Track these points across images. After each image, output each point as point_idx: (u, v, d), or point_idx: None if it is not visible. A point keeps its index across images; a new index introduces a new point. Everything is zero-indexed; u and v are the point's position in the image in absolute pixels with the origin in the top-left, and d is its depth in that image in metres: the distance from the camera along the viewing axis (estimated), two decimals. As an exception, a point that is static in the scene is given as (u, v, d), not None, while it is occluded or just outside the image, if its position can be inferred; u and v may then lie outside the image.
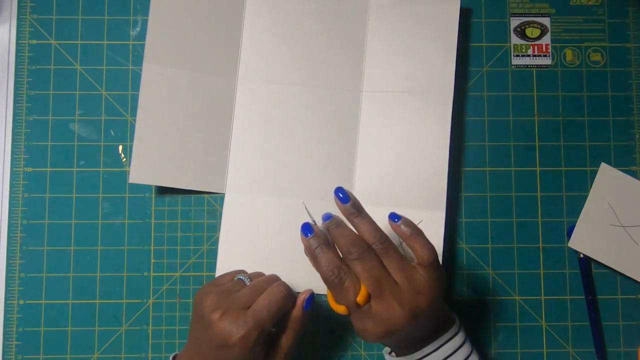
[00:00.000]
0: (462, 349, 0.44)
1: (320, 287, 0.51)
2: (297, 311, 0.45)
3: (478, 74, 0.55)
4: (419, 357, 0.43)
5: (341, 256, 0.42)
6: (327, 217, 0.43)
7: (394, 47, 0.54)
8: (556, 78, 0.55)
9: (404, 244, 0.48)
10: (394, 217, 0.42)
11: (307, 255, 0.43)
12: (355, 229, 0.42)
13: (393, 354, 0.47)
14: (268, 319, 0.42)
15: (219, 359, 0.41)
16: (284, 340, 0.44)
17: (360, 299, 0.40)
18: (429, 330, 0.43)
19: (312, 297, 0.46)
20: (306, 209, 0.44)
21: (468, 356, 0.44)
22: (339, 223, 0.43)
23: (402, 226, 0.42)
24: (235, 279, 0.46)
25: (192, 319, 0.45)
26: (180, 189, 0.53)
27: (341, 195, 0.42)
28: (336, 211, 0.43)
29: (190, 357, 0.44)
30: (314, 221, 0.44)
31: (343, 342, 0.53)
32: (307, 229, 0.42)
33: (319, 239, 0.42)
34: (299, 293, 0.46)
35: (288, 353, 0.45)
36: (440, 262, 0.44)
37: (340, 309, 0.42)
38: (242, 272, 0.47)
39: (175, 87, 0.53)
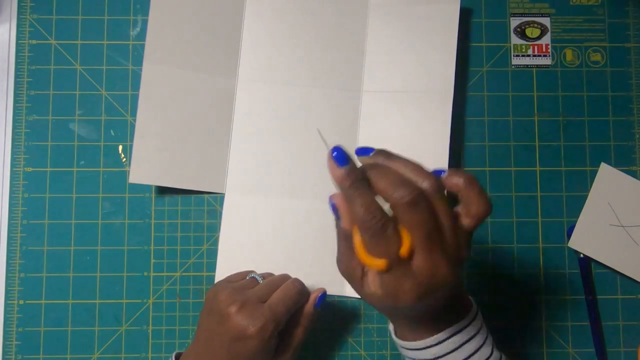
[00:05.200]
0: (473, 340, 0.41)
1: (325, 286, 0.51)
2: (309, 307, 0.46)
3: (478, 74, 0.55)
4: (429, 344, 0.40)
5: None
6: (364, 150, 0.35)
7: (394, 47, 0.54)
8: (556, 78, 0.55)
9: None
10: (439, 172, 0.35)
11: (338, 188, 0.34)
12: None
13: (397, 336, 0.43)
14: (284, 312, 0.43)
15: (233, 352, 0.42)
16: (293, 335, 0.46)
17: (404, 250, 0.33)
18: (443, 304, 0.38)
19: (325, 296, 0.47)
20: (321, 135, 0.37)
21: (479, 348, 0.41)
22: (377, 165, 0.34)
23: (453, 177, 0.34)
24: (248, 277, 0.47)
25: (202, 316, 0.45)
26: (180, 189, 0.53)
27: (362, 150, 0.36)
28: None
29: (199, 354, 0.44)
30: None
31: (343, 342, 0.53)
32: (341, 156, 0.33)
33: (356, 172, 0.33)
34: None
35: (297, 348, 0.46)
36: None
37: (374, 263, 0.34)
38: (253, 272, 0.48)
39: (175, 87, 0.53)
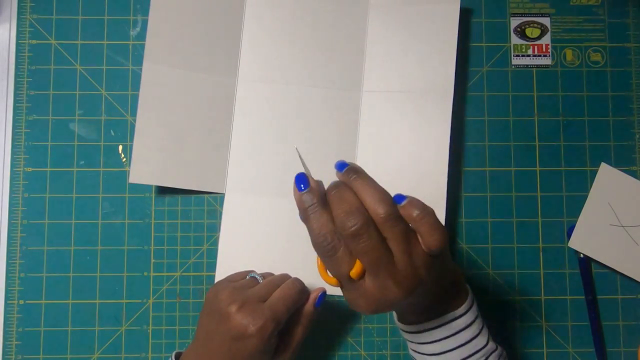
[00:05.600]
0: (468, 329, 0.42)
1: (325, 286, 0.51)
2: (308, 307, 0.46)
3: (478, 74, 0.55)
4: (421, 329, 0.42)
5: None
6: (341, 165, 0.37)
7: (394, 47, 0.54)
8: (556, 78, 0.55)
9: None
10: (399, 199, 0.36)
11: (299, 212, 0.37)
12: (357, 195, 0.36)
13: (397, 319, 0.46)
14: (284, 311, 0.43)
15: (233, 351, 0.42)
16: (293, 334, 0.46)
17: (354, 273, 0.35)
18: (432, 298, 0.40)
19: (324, 295, 0.47)
20: (300, 156, 0.39)
21: (474, 337, 0.42)
22: (339, 186, 0.36)
23: (408, 208, 0.36)
24: (248, 277, 0.47)
25: (202, 315, 0.45)
26: (180, 189, 0.53)
27: (339, 165, 0.38)
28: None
29: (199, 353, 0.44)
30: (309, 173, 0.38)
31: (343, 342, 0.53)
32: (301, 180, 0.36)
33: (314, 195, 0.36)
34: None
35: (297, 347, 0.46)
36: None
37: (329, 280, 0.38)
38: (253, 271, 0.48)
39: (175, 87, 0.53)
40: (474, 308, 0.43)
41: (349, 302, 0.38)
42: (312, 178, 0.37)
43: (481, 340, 0.42)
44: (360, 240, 0.34)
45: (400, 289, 0.35)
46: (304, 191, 0.36)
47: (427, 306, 0.41)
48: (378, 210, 0.35)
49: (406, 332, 0.44)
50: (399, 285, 0.35)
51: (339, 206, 0.35)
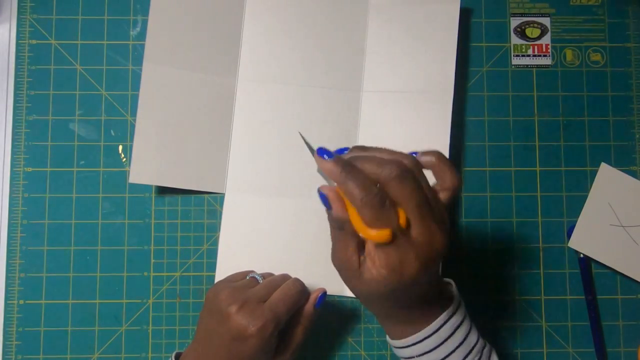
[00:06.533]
0: (462, 326, 0.42)
1: (325, 286, 0.51)
2: (309, 307, 0.46)
3: (478, 74, 0.55)
4: (414, 341, 0.41)
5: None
6: (340, 152, 0.38)
7: (393, 47, 0.54)
8: (556, 78, 0.55)
9: None
10: (412, 154, 0.38)
11: (330, 181, 0.36)
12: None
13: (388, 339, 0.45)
14: (284, 311, 0.43)
15: (233, 352, 0.42)
16: (293, 335, 0.46)
17: (402, 220, 0.34)
18: (425, 295, 0.40)
19: (325, 295, 0.47)
20: (304, 139, 0.39)
21: (467, 335, 0.42)
22: (359, 154, 0.36)
23: (426, 156, 0.37)
24: (248, 277, 0.47)
25: (202, 316, 0.45)
26: (180, 189, 0.53)
27: (339, 150, 0.38)
28: None
29: (199, 354, 0.44)
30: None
31: (343, 342, 0.53)
32: (323, 151, 0.35)
33: (344, 159, 0.35)
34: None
35: (297, 348, 0.46)
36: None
37: (376, 236, 0.35)
38: (253, 271, 0.48)
39: (175, 87, 0.53)
40: (462, 305, 0.43)
41: (394, 268, 0.35)
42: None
43: (473, 338, 0.42)
44: (406, 182, 0.34)
45: (442, 233, 0.36)
46: (331, 159, 0.35)
47: (424, 305, 0.40)
48: (405, 160, 0.35)
49: (403, 347, 0.42)
50: (441, 228, 0.36)
51: (371, 162, 0.35)
